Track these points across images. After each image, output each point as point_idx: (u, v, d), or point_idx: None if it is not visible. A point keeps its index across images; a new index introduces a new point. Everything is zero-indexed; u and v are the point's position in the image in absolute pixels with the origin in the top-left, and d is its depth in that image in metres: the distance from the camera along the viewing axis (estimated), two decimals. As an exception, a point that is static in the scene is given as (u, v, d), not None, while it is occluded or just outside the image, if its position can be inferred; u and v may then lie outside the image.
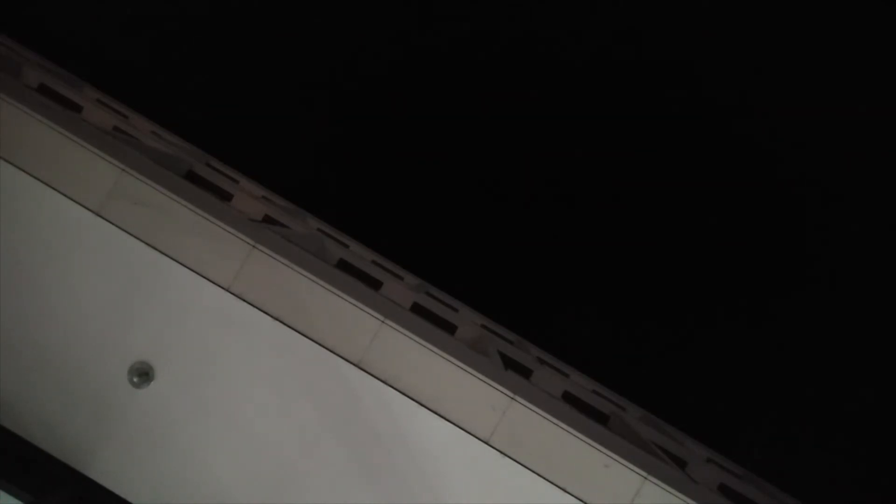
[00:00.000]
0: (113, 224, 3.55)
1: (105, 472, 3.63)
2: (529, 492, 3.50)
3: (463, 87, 11.91)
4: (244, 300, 3.55)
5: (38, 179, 3.55)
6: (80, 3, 10.99)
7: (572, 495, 3.48)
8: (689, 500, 3.51)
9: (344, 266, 6.61)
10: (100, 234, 3.55)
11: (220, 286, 3.55)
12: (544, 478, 3.50)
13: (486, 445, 3.52)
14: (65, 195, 3.54)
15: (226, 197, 6.66)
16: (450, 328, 6.70)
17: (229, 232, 3.60)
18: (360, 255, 7.63)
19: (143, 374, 3.54)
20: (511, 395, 3.57)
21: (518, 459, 3.52)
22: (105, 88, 8.64)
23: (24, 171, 3.54)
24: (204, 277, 3.55)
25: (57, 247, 3.57)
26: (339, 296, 3.60)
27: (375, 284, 6.63)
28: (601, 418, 6.35)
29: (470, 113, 11.86)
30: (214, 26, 11.59)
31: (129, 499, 3.63)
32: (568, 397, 6.53)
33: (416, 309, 6.64)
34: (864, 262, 10.86)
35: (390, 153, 12.05)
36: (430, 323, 4.99)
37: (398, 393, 3.55)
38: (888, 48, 10.09)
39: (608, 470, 3.52)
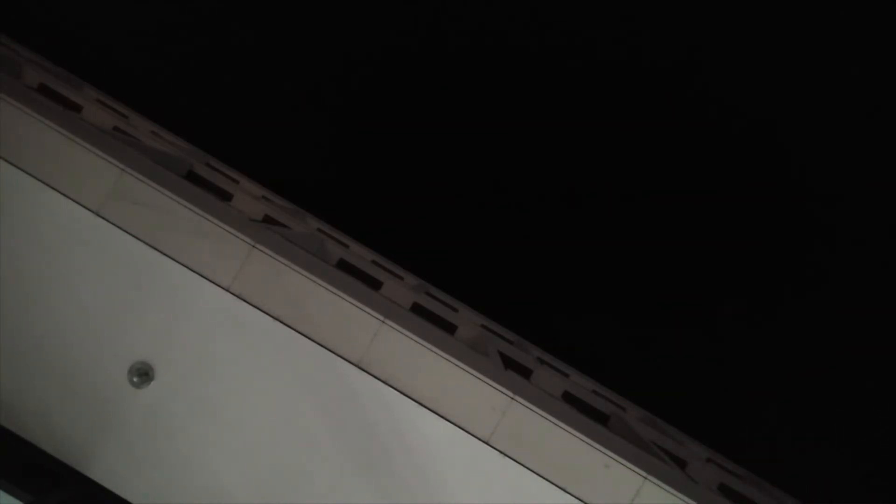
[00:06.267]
0: (113, 224, 3.55)
1: (105, 472, 3.63)
2: (529, 492, 3.50)
3: (462, 87, 11.91)
4: (244, 300, 3.55)
5: (38, 179, 3.55)
6: (80, 4, 11.00)
7: (572, 495, 3.48)
8: (689, 500, 3.51)
9: (344, 266, 6.61)
10: (100, 234, 3.55)
11: (220, 286, 3.55)
12: (544, 478, 3.50)
13: (486, 445, 3.52)
14: (65, 195, 3.54)
15: (226, 197, 6.66)
16: (450, 328, 6.69)
17: (229, 232, 3.59)
18: (360, 255, 7.63)
19: (143, 374, 3.54)
20: (511, 395, 3.56)
21: (518, 459, 3.51)
22: (105, 88, 8.65)
23: (24, 171, 3.54)
24: (204, 277, 3.54)
25: (57, 247, 3.57)
26: (339, 296, 3.60)
27: (375, 284, 6.63)
28: (601, 418, 6.34)
29: (470, 113, 11.86)
30: (215, 26, 11.59)
31: (129, 499, 3.62)
32: (568, 397, 6.52)
33: (416, 309, 6.64)
34: (866, 262, 10.86)
35: (391, 153, 12.05)
36: (430, 323, 4.99)
37: (398, 393, 3.55)
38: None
39: (608, 470, 3.52)
